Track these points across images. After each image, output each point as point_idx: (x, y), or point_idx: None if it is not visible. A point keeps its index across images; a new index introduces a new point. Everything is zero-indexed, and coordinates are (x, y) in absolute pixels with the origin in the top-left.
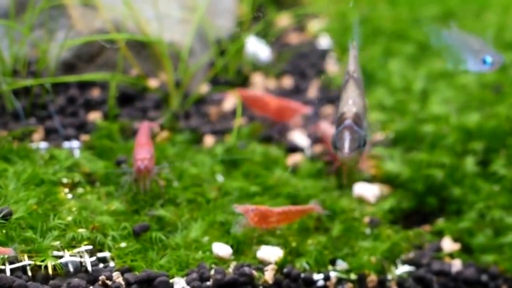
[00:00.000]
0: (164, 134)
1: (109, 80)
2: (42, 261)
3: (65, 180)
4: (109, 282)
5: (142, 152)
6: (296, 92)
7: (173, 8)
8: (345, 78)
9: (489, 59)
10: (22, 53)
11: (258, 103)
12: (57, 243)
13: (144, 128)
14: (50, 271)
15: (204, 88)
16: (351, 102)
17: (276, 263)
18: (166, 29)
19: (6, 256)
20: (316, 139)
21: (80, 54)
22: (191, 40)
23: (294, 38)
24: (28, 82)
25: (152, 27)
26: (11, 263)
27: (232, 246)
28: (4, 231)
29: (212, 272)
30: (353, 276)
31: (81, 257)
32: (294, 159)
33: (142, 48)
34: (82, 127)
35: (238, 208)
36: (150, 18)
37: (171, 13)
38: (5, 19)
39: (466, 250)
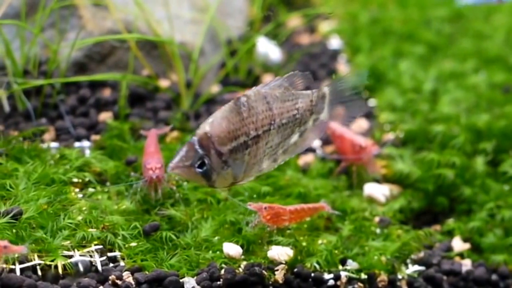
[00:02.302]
0: (174, 134)
1: (120, 80)
2: (52, 260)
3: (75, 180)
4: (119, 282)
5: (153, 162)
6: None
7: (184, 9)
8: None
9: None
10: (33, 53)
11: None
12: (67, 242)
13: (152, 135)
14: (60, 270)
15: (214, 88)
16: (210, 120)
17: (286, 263)
18: (177, 29)
19: (16, 255)
20: (327, 139)
21: (91, 54)
22: (202, 40)
23: (304, 39)
24: (39, 82)
25: (163, 28)
26: (21, 262)
27: (242, 246)
28: (14, 230)
29: (223, 271)
30: (363, 275)
31: (91, 256)
32: (306, 159)
33: (153, 48)
34: (93, 127)
35: (252, 205)
36: (161, 18)
37: (182, 14)
38: (16, 20)
39: (476, 250)
